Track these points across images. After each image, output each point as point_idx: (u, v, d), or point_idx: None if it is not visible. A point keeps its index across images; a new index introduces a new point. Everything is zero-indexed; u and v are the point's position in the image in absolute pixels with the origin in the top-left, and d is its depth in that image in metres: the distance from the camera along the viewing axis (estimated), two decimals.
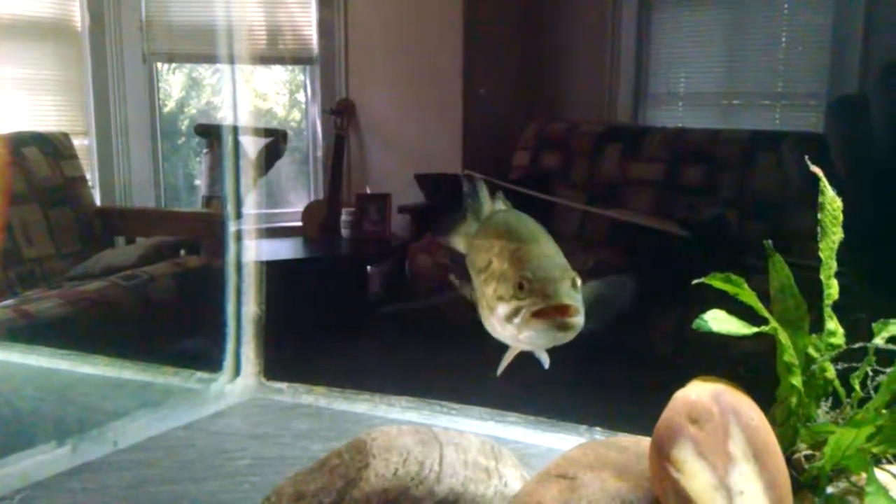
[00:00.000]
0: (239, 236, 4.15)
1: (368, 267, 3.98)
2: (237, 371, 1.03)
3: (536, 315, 0.66)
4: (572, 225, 3.76)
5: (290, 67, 4.56)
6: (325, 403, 1.00)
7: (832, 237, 0.70)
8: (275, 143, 4.08)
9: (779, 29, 3.74)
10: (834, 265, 0.70)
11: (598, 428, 1.00)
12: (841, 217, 0.71)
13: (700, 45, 3.98)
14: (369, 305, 3.70)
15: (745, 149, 3.50)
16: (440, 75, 4.13)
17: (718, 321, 0.71)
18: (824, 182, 0.72)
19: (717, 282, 0.69)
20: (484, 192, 0.86)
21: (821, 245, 0.70)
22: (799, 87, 3.73)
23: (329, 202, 4.19)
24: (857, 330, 0.71)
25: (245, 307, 1.02)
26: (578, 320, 0.67)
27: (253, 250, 1.09)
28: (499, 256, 0.72)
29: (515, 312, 0.67)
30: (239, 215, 4.02)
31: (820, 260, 0.71)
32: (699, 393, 0.66)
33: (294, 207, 4.40)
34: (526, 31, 4.19)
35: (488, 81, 4.10)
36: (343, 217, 4.09)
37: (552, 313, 0.66)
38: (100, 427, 0.96)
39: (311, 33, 4.40)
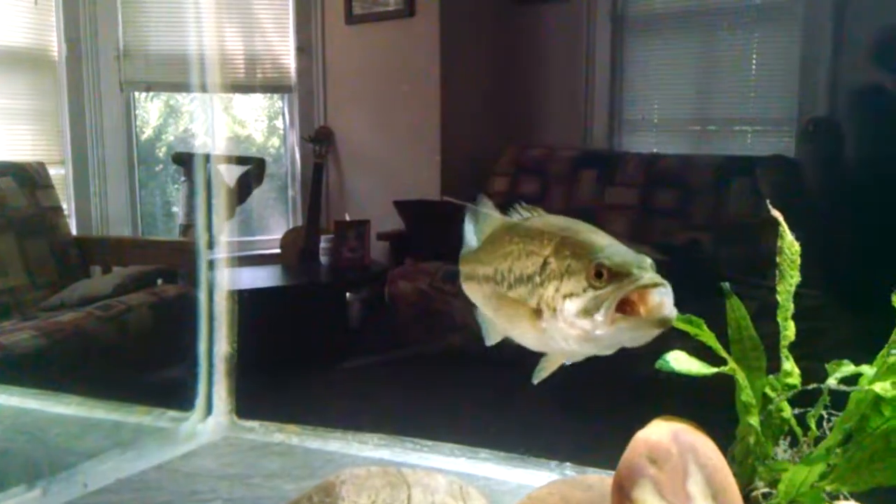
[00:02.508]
0: (213, 266, 4.12)
1: (348, 294, 3.98)
2: (209, 409, 1.03)
3: (623, 305, 0.60)
4: None
5: (268, 95, 4.58)
6: (297, 441, 1.01)
7: (790, 280, 0.72)
8: (253, 170, 4.09)
9: (749, 55, 3.83)
10: (791, 307, 0.72)
11: (568, 463, 1.01)
12: (798, 261, 0.73)
13: (673, 72, 4.05)
14: (348, 336, 3.69)
15: (719, 173, 3.57)
16: (419, 101, 4.16)
17: (679, 361, 0.73)
18: (784, 226, 0.74)
19: (678, 323, 0.71)
20: (489, 205, 0.82)
21: (778, 288, 0.72)
22: (770, 112, 3.80)
23: (307, 229, 4.19)
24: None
25: (217, 345, 1.02)
26: (669, 307, 0.61)
27: (225, 282, 1.09)
28: (556, 253, 0.67)
29: (596, 306, 0.61)
30: (211, 245, 4.01)
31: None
32: (659, 433, 0.68)
33: (272, 235, 4.40)
34: (502, 58, 4.25)
35: (467, 107, 4.14)
36: (322, 244, 4.10)
37: (644, 299, 0.60)
38: (70, 469, 0.96)
39: (289, 61, 4.43)
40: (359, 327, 3.85)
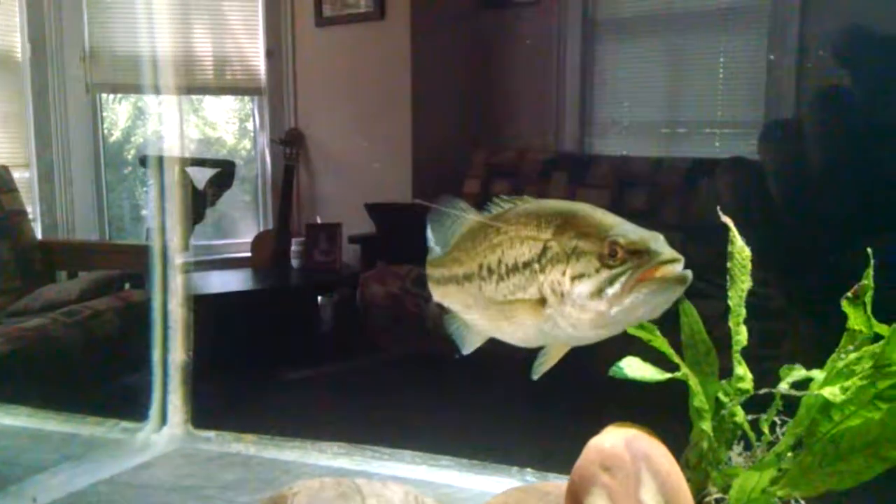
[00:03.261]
0: (186, 269, 4.06)
1: (319, 297, 3.95)
2: (164, 420, 1.01)
3: (645, 276, 0.58)
4: None
5: (239, 97, 4.54)
6: (254, 452, 0.99)
7: (741, 285, 0.72)
8: (222, 173, 4.04)
9: (716, 58, 3.86)
10: (743, 312, 0.72)
11: (529, 469, 1.01)
12: (749, 266, 0.73)
13: (642, 75, 4.08)
14: (318, 340, 3.66)
15: (687, 175, 3.60)
16: (389, 104, 4.15)
17: (633, 368, 0.72)
18: (734, 231, 0.74)
19: (630, 328, 0.71)
20: (462, 204, 0.78)
21: (730, 293, 0.72)
22: (737, 114, 3.84)
23: (278, 232, 4.16)
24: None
25: (172, 352, 1.00)
26: (687, 272, 0.60)
27: (181, 288, 1.07)
28: (560, 235, 0.64)
29: (610, 282, 0.59)
30: (184, 248, 3.94)
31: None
32: (612, 441, 0.67)
33: (243, 238, 4.36)
34: (473, 61, 4.25)
35: (437, 110, 4.13)
36: (293, 247, 4.07)
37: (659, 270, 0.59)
38: (19, 483, 0.93)
39: (259, 63, 4.39)
40: (330, 331, 3.83)
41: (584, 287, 0.61)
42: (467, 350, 0.77)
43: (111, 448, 0.98)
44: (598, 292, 0.60)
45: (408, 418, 2.71)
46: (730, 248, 0.73)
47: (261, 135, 4.49)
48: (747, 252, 0.74)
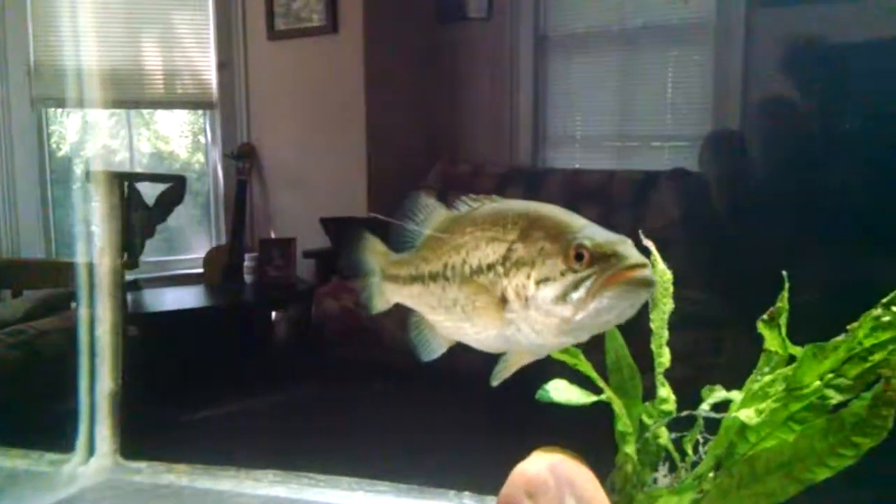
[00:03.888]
0: (137, 286, 3.94)
1: (273, 313, 3.91)
2: (91, 451, 0.98)
3: (611, 280, 0.57)
4: None
5: (191, 110, 4.48)
6: (186, 482, 0.97)
7: (663, 308, 0.73)
8: (173, 188, 3.97)
9: (666, 73, 3.93)
10: (665, 334, 0.73)
11: (467, 492, 1.00)
12: (671, 289, 0.74)
13: (594, 90, 4.13)
14: (269, 358, 3.61)
15: (637, 188, 3.65)
16: (344, 118, 4.14)
17: (559, 391, 0.73)
18: (655, 255, 0.75)
19: (555, 352, 0.71)
20: (432, 200, 0.75)
21: (651, 316, 0.73)
22: (685, 128, 3.91)
23: (231, 247, 4.11)
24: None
25: (100, 381, 0.97)
26: (653, 276, 0.59)
27: (109, 314, 1.04)
28: (525, 237, 0.62)
29: (575, 286, 0.58)
30: (133, 266, 3.84)
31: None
32: (536, 466, 0.67)
33: (195, 254, 4.29)
34: (427, 75, 4.26)
35: (392, 124, 4.13)
36: (246, 263, 4.02)
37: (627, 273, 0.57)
38: None
39: (211, 77, 4.34)
40: (283, 348, 3.78)
41: (549, 291, 0.59)
42: (429, 356, 0.74)
43: (36, 481, 0.95)
44: (563, 297, 0.59)
45: (354, 442, 2.68)
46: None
47: (213, 149, 4.43)
48: (669, 275, 0.75)
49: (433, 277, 0.70)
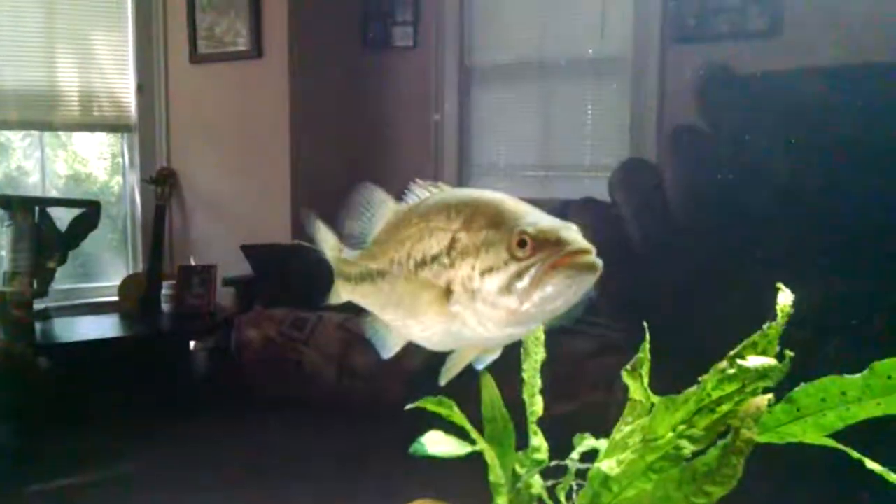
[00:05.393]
0: (45, 315, 3.77)
1: (192, 343, 3.81)
2: None
3: (554, 266, 0.55)
4: None
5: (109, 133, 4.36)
6: None
7: (535, 358, 0.75)
8: (87, 213, 3.85)
9: (585, 105, 4.04)
10: (538, 383, 0.75)
11: None
12: (542, 338, 0.76)
13: (517, 120, 4.21)
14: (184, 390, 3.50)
15: (557, 216, 3.72)
16: (267, 144, 4.10)
17: (434, 444, 0.73)
18: None
19: (429, 405, 0.72)
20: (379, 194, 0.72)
21: (524, 366, 0.74)
22: (604, 158, 4.02)
23: (149, 275, 4.00)
24: None
25: None
26: (598, 260, 0.56)
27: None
28: (468, 226, 0.60)
29: (519, 276, 0.56)
30: (45, 293, 3.69)
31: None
32: None
33: (111, 281, 4.16)
34: (353, 102, 4.26)
35: (317, 150, 4.11)
36: (164, 291, 3.91)
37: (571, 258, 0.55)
38: None
39: (129, 99, 4.24)
40: (201, 379, 3.68)
41: (494, 282, 0.57)
42: (387, 354, 0.71)
43: None
44: (508, 287, 0.56)
45: (264, 479, 2.63)
46: None
47: (131, 173, 4.32)
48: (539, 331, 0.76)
49: (381, 274, 0.68)
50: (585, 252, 0.56)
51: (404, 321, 0.66)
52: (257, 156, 4.11)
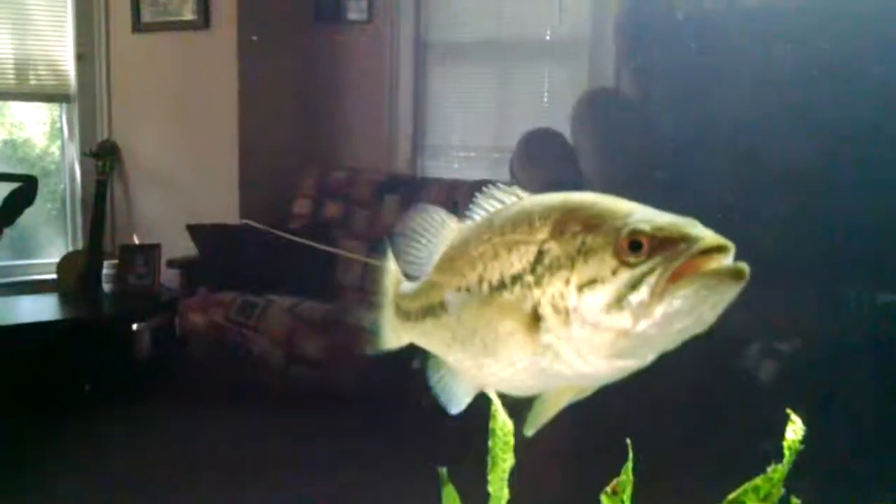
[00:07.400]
0: None
1: (134, 325, 3.70)
2: None
3: (682, 272, 0.43)
4: (355, 275, 3.76)
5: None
6: None
7: (503, 466, 0.72)
8: (23, 188, 3.67)
9: (541, 87, 4.00)
10: (505, 494, 0.72)
11: None
12: (512, 442, 0.73)
13: (473, 100, 4.15)
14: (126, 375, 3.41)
15: None
16: (214, 118, 3.96)
17: None
18: (497, 405, 0.73)
19: None
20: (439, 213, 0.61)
21: (490, 477, 0.71)
22: None
23: (88, 253, 3.85)
24: None
25: None
26: (744, 265, 0.44)
27: None
28: (559, 234, 0.48)
29: (633, 286, 0.44)
30: None
31: None
32: None
33: (49, 258, 4.00)
34: (304, 76, 4.14)
35: (267, 126, 3.99)
36: (105, 270, 3.78)
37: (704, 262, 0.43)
38: None
39: (69, 68, 4.03)
40: (145, 363, 3.59)
41: (598, 297, 0.46)
42: (455, 407, 0.62)
43: None
44: (618, 302, 0.45)
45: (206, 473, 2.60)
46: (491, 425, 0.71)
47: (70, 145, 4.13)
48: (510, 427, 0.73)
49: (446, 307, 0.57)
50: (723, 251, 0.44)
51: (477, 361, 0.55)
52: (203, 131, 3.97)
